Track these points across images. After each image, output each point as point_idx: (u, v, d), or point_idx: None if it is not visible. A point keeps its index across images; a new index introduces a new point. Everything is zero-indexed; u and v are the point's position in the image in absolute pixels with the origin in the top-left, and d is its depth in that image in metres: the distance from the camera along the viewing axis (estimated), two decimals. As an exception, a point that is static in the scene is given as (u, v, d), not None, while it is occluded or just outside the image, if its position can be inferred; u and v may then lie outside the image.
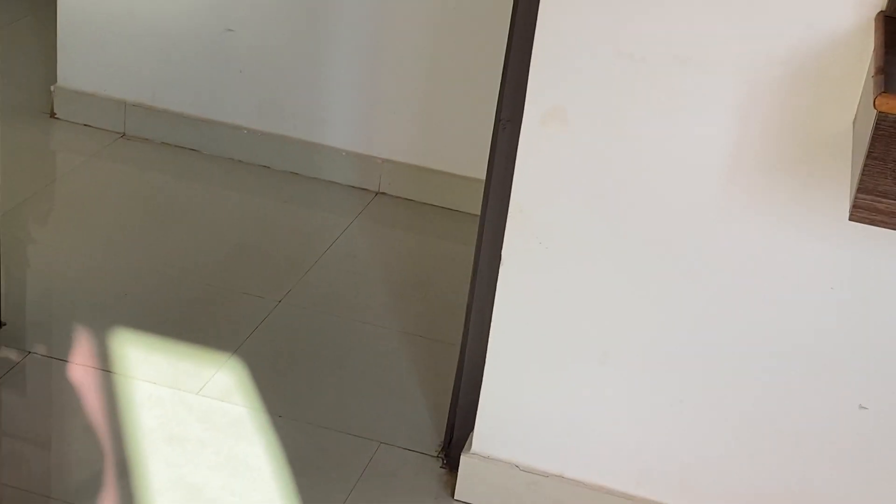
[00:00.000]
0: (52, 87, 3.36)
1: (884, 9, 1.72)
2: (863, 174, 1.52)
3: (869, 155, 1.51)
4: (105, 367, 2.41)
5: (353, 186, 3.25)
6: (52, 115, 3.38)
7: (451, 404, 2.27)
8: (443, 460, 2.28)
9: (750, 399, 2.00)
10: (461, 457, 2.17)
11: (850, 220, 1.53)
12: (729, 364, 1.99)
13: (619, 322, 2.02)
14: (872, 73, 1.55)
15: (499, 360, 2.11)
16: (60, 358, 2.41)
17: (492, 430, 2.15)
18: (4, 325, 2.44)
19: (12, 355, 2.39)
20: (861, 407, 1.96)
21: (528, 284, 2.05)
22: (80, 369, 2.40)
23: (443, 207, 3.21)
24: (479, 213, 2.15)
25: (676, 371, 2.02)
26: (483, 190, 2.13)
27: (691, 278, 1.96)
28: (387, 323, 2.69)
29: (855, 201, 1.53)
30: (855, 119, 1.80)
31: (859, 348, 1.93)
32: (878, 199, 1.53)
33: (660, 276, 1.97)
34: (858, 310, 1.90)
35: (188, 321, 2.59)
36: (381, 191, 3.24)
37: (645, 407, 2.06)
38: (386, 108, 3.17)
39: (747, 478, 2.05)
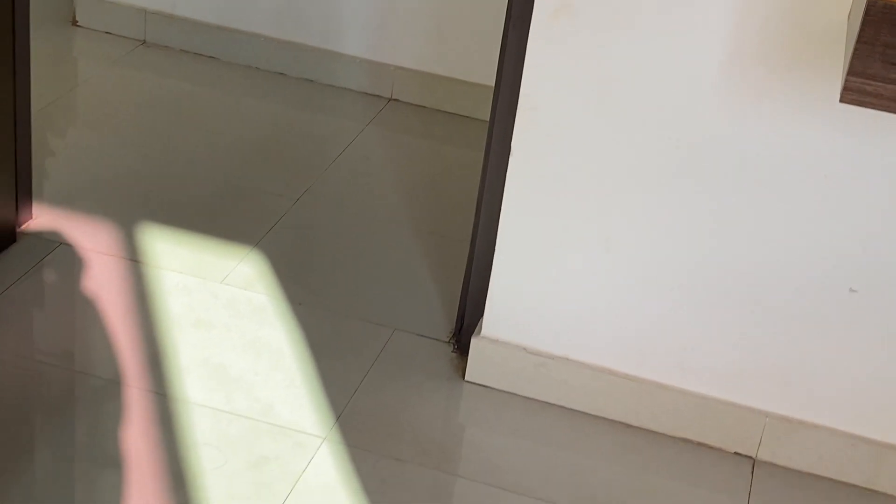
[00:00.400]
0: (72, -4, 3.45)
1: None
2: (853, 58, 1.61)
3: (859, 39, 1.60)
4: (134, 257, 2.52)
5: (366, 93, 3.35)
6: (74, 22, 3.47)
7: (461, 292, 2.38)
8: (454, 345, 2.41)
9: (745, 282, 2.11)
10: (472, 340, 2.30)
11: (840, 101, 1.62)
12: (726, 249, 2.10)
13: (622, 211, 2.13)
14: (865, -36, 1.64)
15: (507, 249, 2.23)
16: (90, 249, 2.54)
17: (501, 315, 2.27)
18: (34, 218, 2.55)
19: (44, 247, 2.51)
20: (851, 290, 2.08)
21: (536, 176, 2.15)
22: (110, 259, 2.51)
23: (454, 114, 3.30)
24: (489, 118, 2.25)
25: (675, 257, 2.13)
26: (493, 91, 2.23)
27: (691, 168, 2.06)
28: (399, 220, 2.81)
29: (845, 84, 1.62)
30: (850, 13, 1.89)
31: (850, 234, 2.04)
32: (867, 81, 1.63)
33: (662, 166, 2.08)
34: (851, 196, 2.01)
35: (211, 217, 2.71)
36: (393, 97, 3.33)
37: (645, 291, 2.18)
38: (399, 17, 3.25)
39: (741, 357, 2.17)
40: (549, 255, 2.21)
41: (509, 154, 2.15)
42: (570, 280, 2.22)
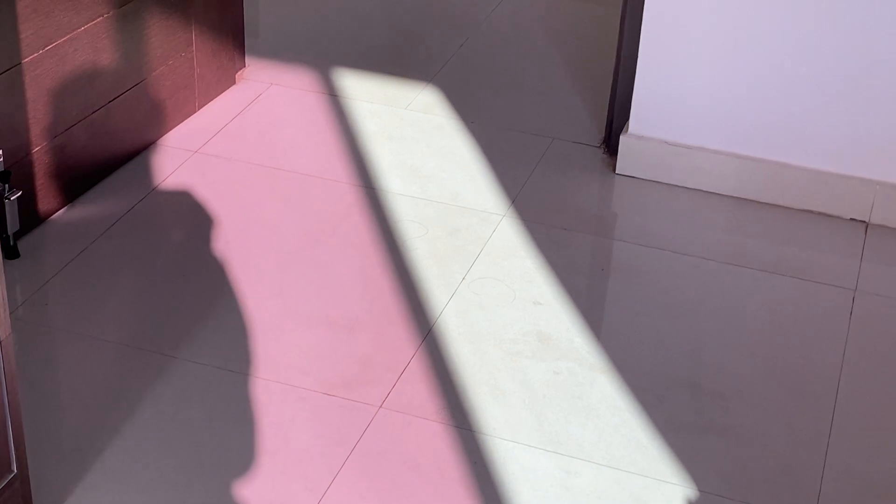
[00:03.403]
0: None
1: None
2: None
3: None
4: (332, 92, 3.03)
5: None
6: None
7: (609, 101, 2.82)
8: (604, 148, 2.84)
9: (858, 67, 2.49)
10: (620, 138, 2.73)
11: None
12: (842, 37, 2.48)
13: (750, 14, 2.52)
14: None
15: (649, 56, 2.64)
16: (296, 87, 3.04)
17: (645, 115, 2.69)
18: (247, 66, 3.06)
19: (258, 87, 3.02)
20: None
21: (672, -6, 2.56)
22: (313, 95, 3.02)
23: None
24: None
25: (797, 48, 2.52)
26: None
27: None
28: (551, 55, 3.27)
29: None
30: None
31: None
32: None
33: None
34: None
35: (392, 59, 3.21)
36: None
37: (770, 82, 2.57)
38: None
39: (855, 134, 2.56)
40: (685, 57, 2.61)
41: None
42: (704, 78, 2.62)
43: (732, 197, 2.70)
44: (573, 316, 2.31)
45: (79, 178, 2.57)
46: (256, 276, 2.38)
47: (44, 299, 2.28)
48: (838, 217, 2.64)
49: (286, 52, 3.22)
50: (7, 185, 2.31)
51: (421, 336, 2.24)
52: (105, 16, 2.50)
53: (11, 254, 2.37)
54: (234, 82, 3.01)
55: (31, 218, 2.45)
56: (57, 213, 2.51)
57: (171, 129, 2.82)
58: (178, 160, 2.72)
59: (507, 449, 2.00)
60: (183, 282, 2.36)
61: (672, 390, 2.15)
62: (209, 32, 2.87)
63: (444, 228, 2.54)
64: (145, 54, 2.66)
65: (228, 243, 2.47)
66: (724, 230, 2.61)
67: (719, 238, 2.58)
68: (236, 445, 1.98)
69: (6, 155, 2.32)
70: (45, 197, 2.47)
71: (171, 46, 2.75)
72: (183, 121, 2.85)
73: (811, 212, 2.66)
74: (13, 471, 1.66)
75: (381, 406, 2.07)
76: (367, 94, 3.04)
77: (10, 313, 2.20)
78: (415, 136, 2.88)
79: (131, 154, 2.71)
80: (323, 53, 3.22)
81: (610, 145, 2.83)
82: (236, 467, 1.94)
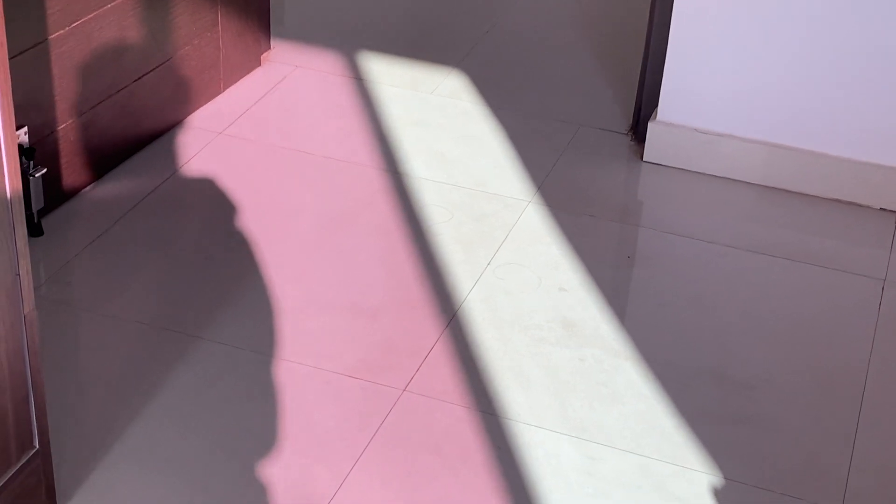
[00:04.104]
0: None
1: None
2: None
3: None
4: (357, 76, 3.01)
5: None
6: None
7: (638, 88, 2.79)
8: (632, 136, 2.81)
9: (890, 60, 2.46)
10: (648, 124, 2.70)
11: None
12: (873, 30, 2.44)
13: (778, 8, 2.49)
14: None
15: (679, 43, 2.61)
16: (320, 70, 3.03)
17: (673, 102, 2.66)
18: (272, 48, 3.04)
19: (283, 70, 3.01)
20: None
21: (703, -21, 2.53)
22: (337, 78, 3.00)
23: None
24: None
25: (828, 38, 2.49)
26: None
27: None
28: (578, 42, 3.24)
29: None
30: None
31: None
32: None
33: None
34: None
35: (418, 44, 3.19)
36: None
37: (800, 72, 2.54)
38: None
39: (885, 122, 2.52)
40: (714, 44, 2.58)
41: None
42: (733, 65, 2.59)
43: (760, 185, 2.67)
44: (598, 303, 2.29)
45: (103, 157, 2.56)
46: (280, 259, 2.37)
47: (67, 277, 2.27)
48: (868, 206, 2.60)
49: (312, 34, 3.21)
50: (32, 162, 2.31)
51: (445, 321, 2.22)
52: (132, -6, 2.50)
53: (35, 231, 2.37)
54: (259, 64, 2.99)
55: (56, 195, 2.44)
56: (81, 192, 2.50)
57: (195, 110, 2.81)
58: (203, 141, 2.71)
59: (531, 434, 1.98)
60: (206, 263, 2.34)
61: (697, 379, 2.13)
62: (235, 13, 2.86)
63: (470, 214, 2.52)
64: (171, 34, 2.65)
65: (252, 226, 2.46)
66: (751, 219, 2.58)
67: (746, 227, 2.55)
68: (258, 427, 1.97)
69: (31, 131, 2.32)
70: (70, 175, 2.47)
71: (197, 26, 2.73)
72: (208, 101, 2.84)
73: (840, 201, 2.62)
74: (35, 446, 1.66)
75: (404, 389, 2.05)
76: (392, 78, 3.02)
77: (35, 290, 2.21)
78: (440, 121, 2.86)
79: (156, 134, 2.70)
80: (349, 36, 3.20)
81: (637, 132, 2.80)
82: (257, 449, 1.93)
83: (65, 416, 1.95)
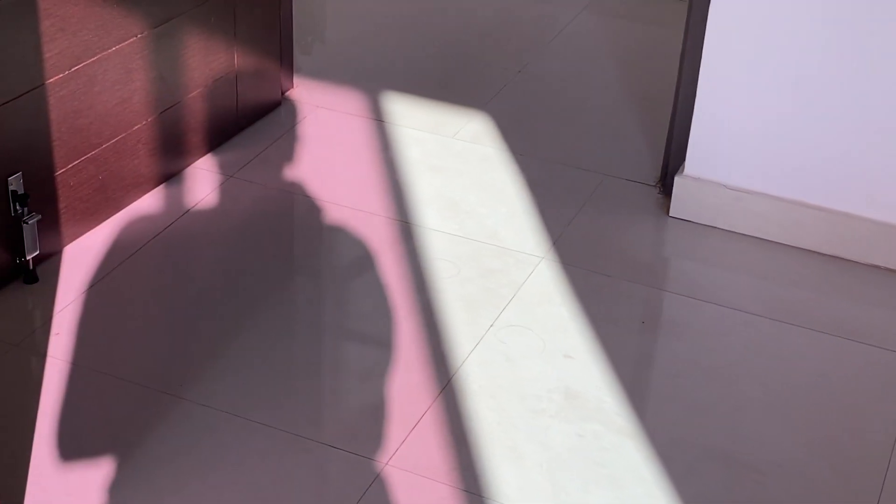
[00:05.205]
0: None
1: None
2: None
3: None
4: (377, 117, 2.91)
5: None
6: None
7: (667, 139, 2.65)
8: (659, 188, 2.68)
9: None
10: (675, 178, 2.56)
11: None
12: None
13: (812, 58, 2.33)
14: None
15: (709, 94, 2.47)
16: (341, 111, 2.93)
17: (702, 156, 2.52)
18: (295, 87, 2.96)
19: (304, 109, 2.93)
20: None
21: (734, 31, 2.39)
22: (357, 119, 2.91)
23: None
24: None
25: (863, 96, 2.33)
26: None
27: (881, 13, 2.25)
28: (612, 84, 3.11)
29: None
30: None
31: None
32: None
33: (846, 22, 2.27)
34: None
35: (443, 85, 3.08)
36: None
37: (834, 129, 2.38)
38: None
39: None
40: (746, 99, 2.44)
41: (707, 17, 2.39)
42: (765, 121, 2.44)
43: (792, 247, 2.51)
44: (605, 372, 2.16)
45: (103, 202, 2.49)
46: (275, 313, 2.27)
47: (56, 327, 2.21)
48: (907, 274, 2.45)
49: (337, 72, 3.11)
50: (26, 209, 2.26)
51: (439, 387, 2.10)
52: (138, 36, 2.43)
53: (30, 278, 2.31)
54: (279, 103, 2.92)
55: (52, 242, 2.39)
56: (79, 238, 2.44)
57: (207, 153, 2.73)
58: (211, 185, 2.63)
59: (517, 519, 1.86)
60: (199, 316, 2.26)
61: (704, 462, 1.98)
62: (253, 54, 2.78)
63: (477, 269, 2.41)
64: (182, 76, 2.58)
65: (250, 277, 2.37)
66: (780, 283, 2.43)
67: (775, 292, 2.40)
68: (231, 498, 1.87)
69: (27, 176, 2.27)
70: (68, 220, 2.40)
71: (211, 68, 2.66)
72: (221, 143, 2.76)
73: (878, 267, 2.45)
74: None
75: (387, 463, 1.95)
76: (415, 120, 2.92)
77: (23, 340, 2.16)
78: (459, 167, 2.75)
79: (164, 177, 2.64)
80: (375, 76, 3.11)
81: (665, 187, 2.67)
82: (226, 523, 1.84)
83: (27, 479, 1.87)
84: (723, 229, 2.55)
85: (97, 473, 1.90)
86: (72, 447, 1.96)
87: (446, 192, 2.66)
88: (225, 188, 2.63)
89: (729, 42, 2.40)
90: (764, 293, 2.39)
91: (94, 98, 2.36)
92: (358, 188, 2.66)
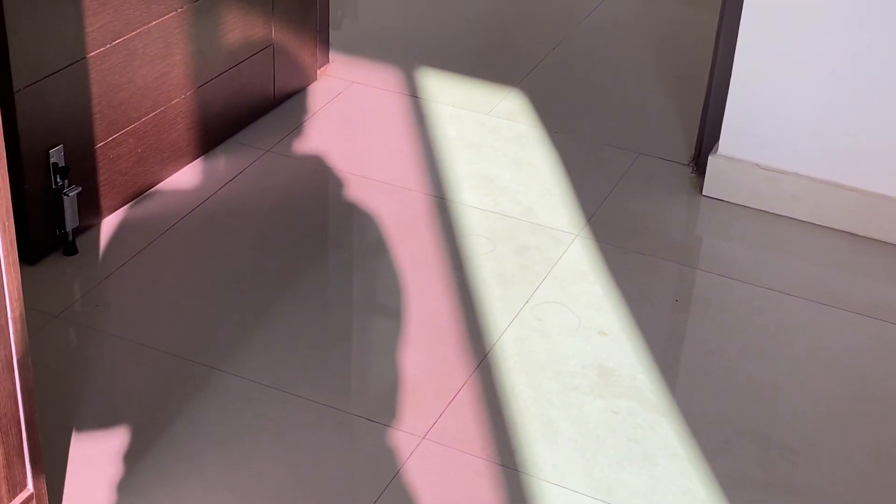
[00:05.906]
0: None
1: None
2: None
3: None
4: (414, 94, 2.93)
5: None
6: None
7: (700, 118, 2.65)
8: (693, 167, 2.68)
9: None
10: (709, 158, 2.56)
11: None
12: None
13: (846, 45, 2.33)
14: None
15: (744, 73, 2.47)
16: (377, 87, 2.95)
17: (736, 135, 2.52)
18: (331, 63, 2.98)
19: (339, 85, 2.94)
20: None
21: (771, 10, 2.38)
22: (394, 95, 2.92)
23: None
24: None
25: (889, 83, 2.33)
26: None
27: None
28: (646, 63, 3.11)
29: None
30: None
31: None
32: None
33: (886, 2, 2.27)
34: None
35: (479, 62, 3.09)
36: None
37: (868, 113, 2.38)
38: None
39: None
40: (782, 75, 2.44)
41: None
42: (800, 102, 2.44)
43: (826, 227, 2.51)
44: (639, 350, 2.17)
45: (142, 177, 2.52)
46: (311, 287, 2.30)
47: (96, 299, 2.25)
48: (942, 256, 2.44)
49: (373, 49, 3.13)
50: (66, 181, 2.29)
51: (476, 361, 2.13)
52: (178, 10, 2.45)
53: (70, 250, 2.34)
54: (315, 79, 2.93)
55: (92, 215, 2.42)
56: (118, 211, 2.47)
57: (245, 127, 2.75)
58: (248, 159, 2.65)
59: (553, 494, 1.88)
60: (236, 290, 2.29)
61: (738, 440, 2.00)
62: (290, 28, 2.80)
63: (513, 246, 2.42)
64: (220, 51, 2.60)
65: (288, 251, 2.40)
66: (814, 264, 2.43)
67: (808, 272, 2.40)
68: (267, 469, 1.90)
69: (67, 149, 2.29)
70: (108, 193, 2.43)
71: (249, 43, 2.68)
72: (258, 118, 2.79)
73: (912, 249, 2.47)
74: (29, 489, 1.62)
75: (424, 437, 1.97)
76: (450, 97, 2.93)
77: (63, 311, 2.19)
78: (494, 144, 2.77)
79: (202, 151, 2.66)
80: (410, 52, 3.12)
81: (699, 165, 2.67)
82: (263, 493, 1.87)
83: (69, 448, 1.92)
84: (756, 209, 2.56)
85: (136, 442, 1.94)
86: (112, 416, 1.99)
87: (481, 169, 2.67)
88: (261, 163, 2.65)
89: (766, 22, 2.40)
90: (797, 273, 2.40)
91: (135, 72, 2.39)
92: (393, 164, 2.68)
